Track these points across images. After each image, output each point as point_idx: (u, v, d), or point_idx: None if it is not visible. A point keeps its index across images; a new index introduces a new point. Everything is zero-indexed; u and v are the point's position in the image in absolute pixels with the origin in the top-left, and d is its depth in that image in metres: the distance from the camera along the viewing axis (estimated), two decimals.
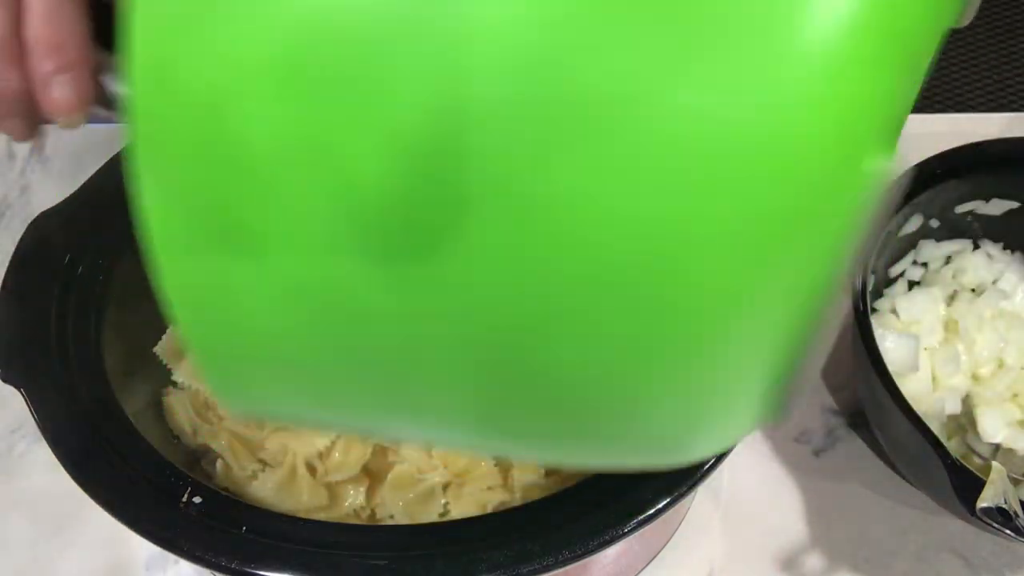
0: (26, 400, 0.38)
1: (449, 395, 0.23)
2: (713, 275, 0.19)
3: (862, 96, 0.19)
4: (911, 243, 0.56)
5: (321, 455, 0.44)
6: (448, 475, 0.44)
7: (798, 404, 0.25)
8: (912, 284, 0.57)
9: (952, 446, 0.52)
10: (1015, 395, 0.53)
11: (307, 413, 0.27)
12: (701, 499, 0.53)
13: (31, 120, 0.29)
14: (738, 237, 0.19)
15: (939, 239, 0.56)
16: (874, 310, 0.55)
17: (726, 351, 0.20)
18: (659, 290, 0.19)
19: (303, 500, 0.43)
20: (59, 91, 0.27)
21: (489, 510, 0.43)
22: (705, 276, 0.19)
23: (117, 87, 0.29)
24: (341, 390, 0.24)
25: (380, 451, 0.45)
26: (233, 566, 0.34)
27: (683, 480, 0.35)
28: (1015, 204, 0.55)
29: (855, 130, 0.19)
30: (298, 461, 0.44)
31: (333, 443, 0.44)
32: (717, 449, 0.24)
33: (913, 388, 0.52)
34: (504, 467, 0.45)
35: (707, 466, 0.36)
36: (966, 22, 0.29)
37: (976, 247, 0.57)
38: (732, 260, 0.19)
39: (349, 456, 0.44)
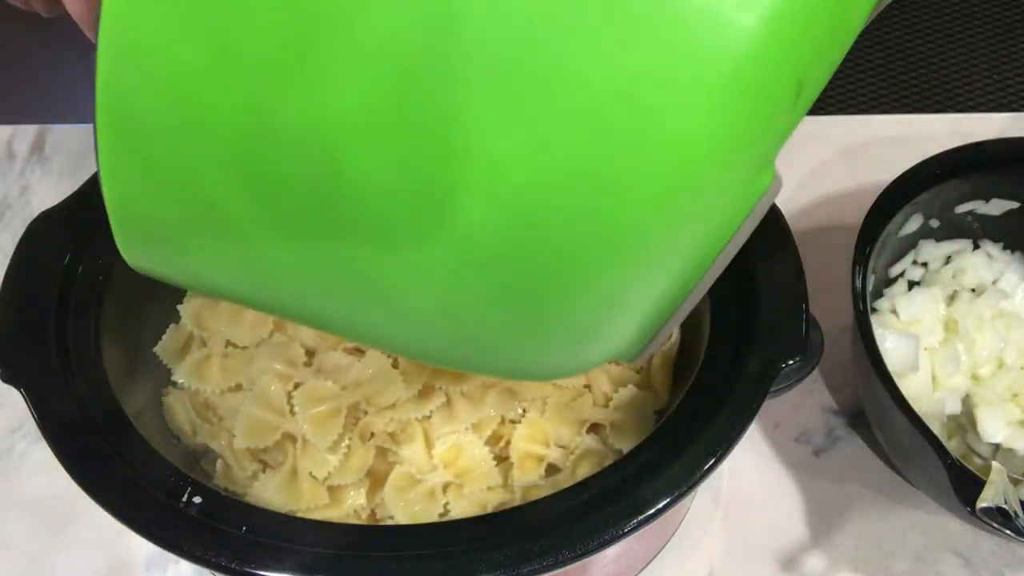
0: (26, 400, 0.38)
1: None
2: (624, 219, 0.23)
3: (760, 103, 0.22)
4: (911, 243, 0.56)
5: (331, 473, 0.44)
6: (448, 475, 0.44)
7: (649, 352, 0.31)
8: (912, 284, 0.57)
9: (952, 446, 0.52)
10: (1015, 395, 0.53)
11: (208, 282, 0.28)
12: (701, 499, 0.53)
13: None
14: (649, 192, 0.23)
15: (939, 239, 0.56)
16: (874, 310, 0.55)
17: (623, 282, 0.25)
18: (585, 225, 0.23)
19: (303, 500, 0.43)
20: None
21: (489, 510, 0.43)
22: (620, 218, 0.23)
23: None
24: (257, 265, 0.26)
25: (381, 453, 0.45)
26: (233, 566, 0.34)
27: (683, 480, 0.35)
28: (1015, 204, 0.55)
29: (747, 127, 0.23)
30: (299, 462, 0.44)
31: (343, 457, 0.44)
32: (583, 366, 0.30)
33: (913, 388, 0.52)
34: (504, 467, 0.45)
35: (707, 466, 0.36)
36: None
37: (976, 247, 0.57)
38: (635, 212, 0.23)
39: (351, 461, 0.44)
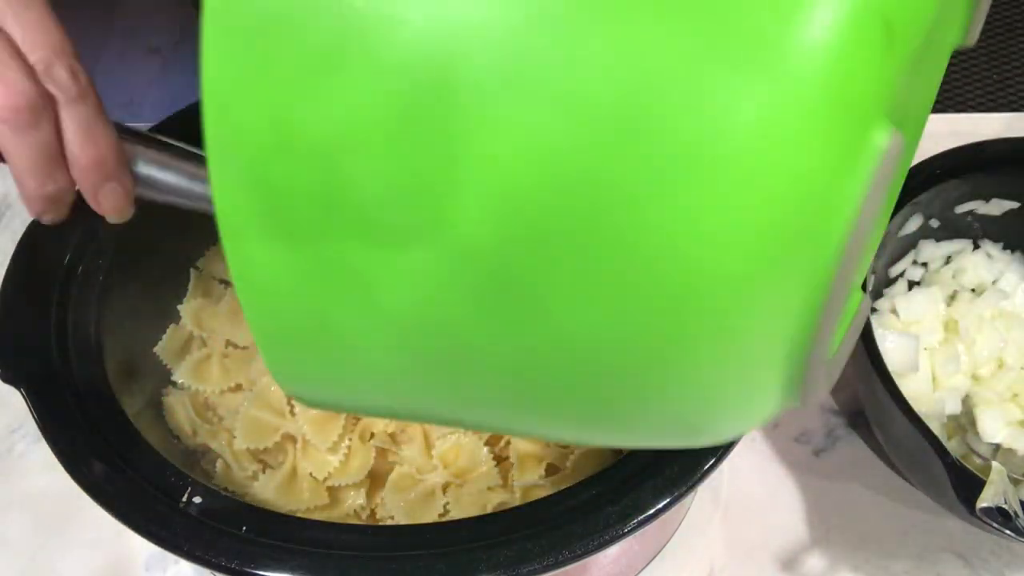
0: (26, 400, 0.38)
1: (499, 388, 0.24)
2: (725, 264, 0.20)
3: (858, 90, 0.20)
4: (911, 243, 0.56)
5: (331, 473, 0.44)
6: (448, 475, 0.44)
7: (822, 390, 0.26)
8: (912, 284, 0.57)
9: (952, 446, 0.52)
10: (1015, 395, 0.53)
11: (363, 405, 0.28)
12: (701, 499, 0.53)
13: (74, 208, 0.32)
14: (747, 231, 0.20)
15: (939, 239, 0.56)
16: (874, 310, 0.55)
17: (738, 334, 0.22)
18: (680, 280, 0.21)
19: (303, 500, 0.43)
20: (107, 199, 0.31)
21: (489, 510, 0.43)
22: (718, 265, 0.20)
23: (148, 169, 0.32)
24: (403, 390, 0.25)
25: (381, 453, 0.45)
26: (233, 566, 0.34)
27: (683, 480, 0.35)
28: (1015, 204, 0.55)
29: (855, 124, 0.20)
30: (299, 463, 0.44)
31: (343, 457, 0.44)
32: (742, 430, 0.27)
33: (913, 388, 0.52)
34: (504, 467, 0.45)
35: (707, 466, 0.36)
36: (972, 41, 0.29)
37: (976, 247, 0.57)
38: (743, 252, 0.20)
39: (352, 462, 0.44)
